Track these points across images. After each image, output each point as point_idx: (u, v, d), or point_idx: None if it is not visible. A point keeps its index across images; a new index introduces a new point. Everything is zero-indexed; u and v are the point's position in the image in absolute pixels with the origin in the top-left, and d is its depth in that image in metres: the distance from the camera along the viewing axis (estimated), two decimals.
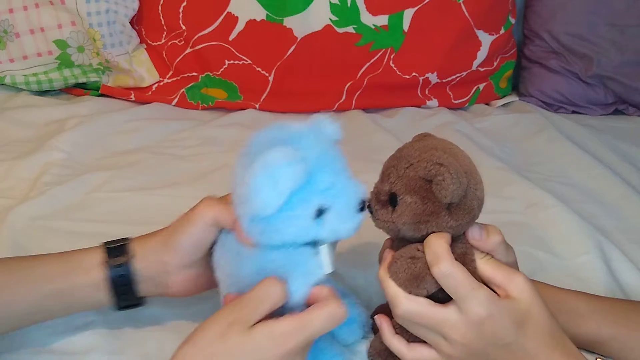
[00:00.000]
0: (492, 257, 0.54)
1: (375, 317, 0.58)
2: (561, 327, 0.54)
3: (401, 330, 0.56)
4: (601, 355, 0.63)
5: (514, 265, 0.57)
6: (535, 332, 0.52)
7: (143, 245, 0.58)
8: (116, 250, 0.58)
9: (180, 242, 0.57)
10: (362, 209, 0.53)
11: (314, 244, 0.53)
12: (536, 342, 0.52)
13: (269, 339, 0.47)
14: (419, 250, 0.53)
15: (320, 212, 0.51)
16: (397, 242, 0.57)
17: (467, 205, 0.52)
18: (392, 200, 0.53)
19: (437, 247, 0.52)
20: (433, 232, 0.53)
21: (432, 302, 0.52)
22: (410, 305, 0.52)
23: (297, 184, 0.48)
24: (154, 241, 0.58)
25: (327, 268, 0.53)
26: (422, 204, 0.52)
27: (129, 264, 0.57)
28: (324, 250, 0.53)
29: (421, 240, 0.53)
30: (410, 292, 0.52)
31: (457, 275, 0.51)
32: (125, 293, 0.58)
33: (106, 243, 0.59)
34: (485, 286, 0.52)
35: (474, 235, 0.54)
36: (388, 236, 0.58)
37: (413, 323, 0.53)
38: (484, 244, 0.54)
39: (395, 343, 0.56)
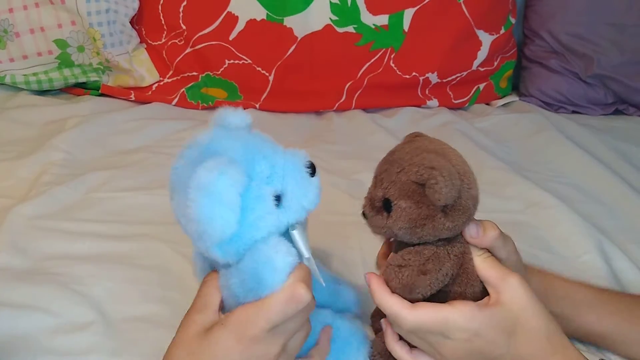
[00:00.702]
0: (490, 254, 0.54)
1: (382, 321, 0.58)
2: (562, 324, 0.53)
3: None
4: (607, 358, 0.62)
5: (512, 255, 0.56)
6: (530, 338, 0.51)
7: None
8: None
9: None
10: (313, 173, 0.50)
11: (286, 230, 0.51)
12: (532, 348, 0.51)
13: (224, 331, 0.47)
14: (404, 258, 0.52)
15: (278, 198, 0.48)
16: (396, 245, 0.56)
17: (462, 205, 0.51)
18: (387, 205, 0.52)
19: (390, 307, 0.52)
20: (428, 235, 0.52)
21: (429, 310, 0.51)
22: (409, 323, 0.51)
23: (242, 187, 0.45)
24: None
25: (305, 252, 0.50)
26: (416, 208, 0.51)
27: None
28: (296, 236, 0.50)
29: (419, 243, 0.53)
30: (411, 295, 0.52)
31: (425, 319, 0.51)
32: None
33: None
34: (458, 304, 0.51)
35: (470, 233, 0.54)
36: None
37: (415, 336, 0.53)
38: (481, 241, 0.54)
39: (398, 350, 0.56)
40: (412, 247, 0.53)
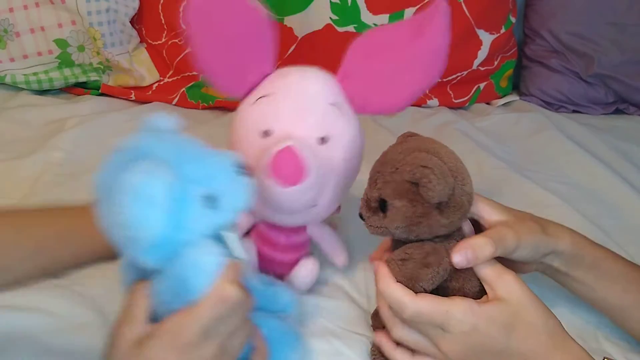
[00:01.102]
0: None
1: (375, 334, 0.59)
2: (582, 291, 0.57)
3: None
4: (609, 356, 0.63)
5: (523, 249, 0.56)
6: (529, 334, 0.52)
7: None
8: None
9: None
10: (243, 172, 0.50)
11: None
12: (532, 345, 0.52)
13: (156, 342, 0.46)
14: (406, 252, 0.53)
15: (210, 199, 0.47)
16: (394, 244, 0.57)
17: (456, 202, 0.53)
18: (382, 205, 0.53)
19: (393, 292, 0.52)
20: (425, 233, 0.53)
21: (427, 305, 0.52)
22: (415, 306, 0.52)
23: (172, 189, 0.44)
24: None
25: (238, 253, 0.50)
26: (411, 206, 0.52)
27: None
28: (228, 237, 0.50)
29: (416, 241, 0.54)
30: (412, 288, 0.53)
31: (426, 308, 0.51)
32: None
33: None
34: (458, 299, 0.52)
35: (459, 263, 0.53)
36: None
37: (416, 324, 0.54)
38: (475, 264, 0.53)
39: (399, 356, 0.56)
40: (412, 243, 0.54)
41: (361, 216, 0.56)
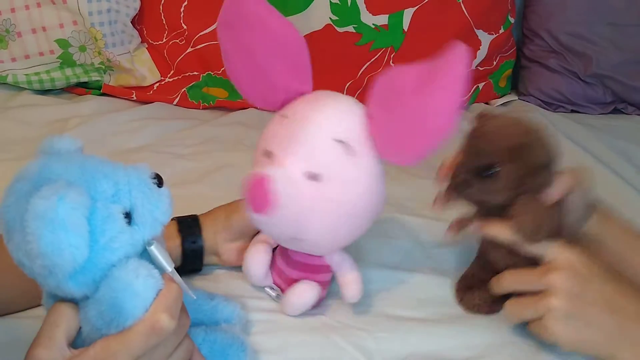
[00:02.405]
0: None
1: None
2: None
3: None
4: None
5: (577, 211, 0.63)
6: (628, 287, 0.58)
7: (208, 221, 0.70)
8: (189, 224, 0.69)
9: (237, 221, 0.68)
10: (160, 184, 0.48)
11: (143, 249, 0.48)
12: (627, 287, 0.58)
13: None
14: (523, 199, 0.59)
15: (128, 215, 0.45)
16: (483, 212, 0.63)
17: (553, 161, 0.60)
18: (488, 171, 0.58)
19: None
20: (526, 194, 0.59)
21: None
22: (509, 278, 0.60)
23: (86, 210, 0.42)
24: (218, 218, 0.70)
25: (167, 266, 0.47)
26: (521, 169, 0.58)
27: (200, 236, 0.69)
28: (154, 251, 0.47)
29: (507, 205, 0.60)
30: (534, 240, 0.59)
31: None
32: (192, 262, 0.69)
33: (177, 217, 0.70)
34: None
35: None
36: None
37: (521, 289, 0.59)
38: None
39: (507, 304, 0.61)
40: (518, 198, 0.59)
41: (460, 189, 0.60)
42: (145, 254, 0.47)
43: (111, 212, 0.44)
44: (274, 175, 0.56)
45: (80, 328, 0.46)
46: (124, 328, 0.44)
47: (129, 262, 0.45)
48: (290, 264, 0.65)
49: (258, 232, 0.69)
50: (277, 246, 0.68)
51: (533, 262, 0.60)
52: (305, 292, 0.64)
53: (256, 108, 1.21)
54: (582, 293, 0.57)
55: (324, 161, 0.57)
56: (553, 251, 0.59)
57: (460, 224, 0.68)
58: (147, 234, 0.47)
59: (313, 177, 0.57)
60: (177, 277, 0.48)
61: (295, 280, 0.65)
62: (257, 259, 0.67)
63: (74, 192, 0.41)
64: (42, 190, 0.41)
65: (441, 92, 0.53)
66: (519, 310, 0.59)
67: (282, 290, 0.67)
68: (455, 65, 0.53)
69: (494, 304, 0.66)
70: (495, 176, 0.58)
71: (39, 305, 0.63)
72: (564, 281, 0.57)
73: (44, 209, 0.40)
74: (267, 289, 0.68)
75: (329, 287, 0.68)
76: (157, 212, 0.47)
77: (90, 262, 0.43)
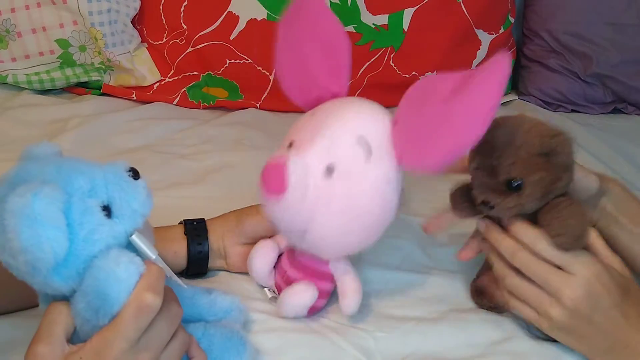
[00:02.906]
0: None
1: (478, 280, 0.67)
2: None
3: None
4: None
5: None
6: (637, 300, 0.57)
7: (217, 224, 0.70)
8: (194, 226, 0.69)
9: (248, 225, 0.68)
10: (136, 177, 0.49)
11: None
12: (636, 309, 0.56)
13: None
14: (563, 201, 0.58)
15: (107, 209, 0.47)
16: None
17: (574, 160, 0.59)
18: (511, 186, 0.56)
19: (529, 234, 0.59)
20: (555, 197, 0.58)
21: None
22: (528, 257, 0.59)
23: (62, 203, 0.43)
24: (228, 221, 0.70)
25: (150, 254, 0.49)
26: (547, 176, 0.56)
27: (206, 240, 0.68)
28: (136, 240, 0.49)
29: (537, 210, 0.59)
30: (578, 245, 0.58)
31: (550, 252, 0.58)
32: (197, 265, 0.69)
33: (184, 220, 0.69)
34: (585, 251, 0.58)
35: None
36: None
37: (530, 275, 0.59)
38: None
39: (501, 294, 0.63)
40: (552, 201, 0.58)
41: (488, 205, 0.58)
42: (130, 246, 0.49)
43: (88, 206, 0.46)
44: (291, 160, 0.56)
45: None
46: (112, 315, 0.45)
47: (110, 251, 0.46)
48: (295, 264, 0.65)
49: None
50: (282, 253, 0.68)
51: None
52: (301, 292, 0.64)
53: (256, 107, 1.22)
54: (589, 315, 0.57)
55: (342, 157, 0.58)
56: (575, 264, 0.57)
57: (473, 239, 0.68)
58: (128, 225, 0.48)
59: (329, 171, 0.58)
60: (161, 263, 0.49)
61: (294, 282, 0.65)
62: (262, 254, 0.67)
63: (48, 188, 0.43)
64: (18, 189, 0.43)
65: (477, 97, 0.53)
66: (521, 292, 0.60)
67: (280, 291, 0.66)
68: (494, 71, 0.53)
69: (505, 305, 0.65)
70: (520, 189, 0.56)
71: (36, 305, 0.63)
72: (575, 302, 0.56)
73: (20, 206, 0.42)
74: (266, 290, 0.68)
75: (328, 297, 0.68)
76: (135, 203, 0.48)
77: (72, 255, 0.44)
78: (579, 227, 0.57)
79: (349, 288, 0.64)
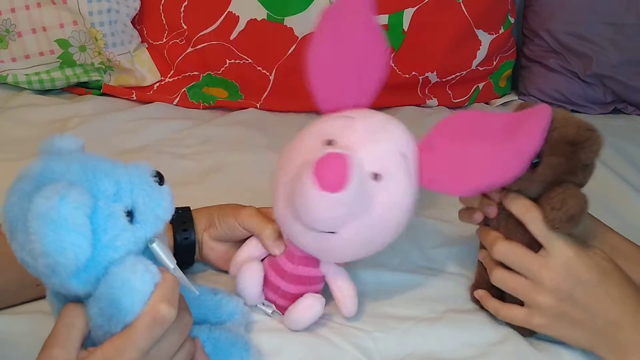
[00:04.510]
0: None
1: (475, 293, 0.67)
2: None
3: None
4: None
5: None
6: (621, 283, 0.58)
7: (200, 215, 0.69)
8: (180, 215, 0.68)
9: (223, 226, 0.68)
10: (161, 182, 0.48)
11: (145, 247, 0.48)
12: (621, 290, 0.57)
13: None
14: (571, 187, 0.59)
15: (130, 214, 0.46)
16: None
17: (594, 164, 0.60)
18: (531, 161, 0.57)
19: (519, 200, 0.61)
20: (558, 187, 0.59)
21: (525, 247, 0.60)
22: (506, 245, 0.61)
23: (88, 208, 0.43)
24: (211, 214, 0.69)
25: (169, 263, 0.48)
26: (565, 164, 0.58)
27: (193, 229, 0.68)
28: (156, 248, 0.48)
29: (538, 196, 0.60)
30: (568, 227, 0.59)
31: (535, 230, 0.60)
32: (185, 254, 0.68)
33: None
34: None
35: None
36: None
37: (510, 265, 0.61)
38: None
39: (492, 303, 0.64)
40: (560, 185, 0.59)
41: None
42: (147, 251, 0.48)
43: (113, 211, 0.45)
44: (353, 156, 0.56)
45: None
46: (124, 324, 0.44)
47: (126, 259, 0.45)
48: (288, 278, 0.64)
49: (244, 240, 0.68)
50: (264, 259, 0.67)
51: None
52: (312, 307, 0.63)
53: (256, 108, 1.22)
54: (571, 294, 0.58)
55: (388, 167, 0.59)
56: (554, 244, 0.59)
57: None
58: (149, 231, 0.47)
59: (377, 177, 0.58)
60: (179, 273, 0.49)
61: (295, 294, 0.64)
62: (253, 279, 0.64)
63: (75, 191, 0.42)
64: (44, 190, 0.42)
65: (524, 144, 0.56)
66: (508, 284, 0.62)
67: (276, 305, 0.66)
68: (540, 120, 0.56)
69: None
70: (535, 166, 0.58)
71: (33, 300, 0.63)
72: (556, 281, 0.58)
73: (46, 209, 0.41)
74: (260, 306, 0.66)
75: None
76: (159, 209, 0.47)
77: (93, 260, 0.43)
78: (576, 208, 0.58)
79: (346, 294, 0.64)
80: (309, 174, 0.54)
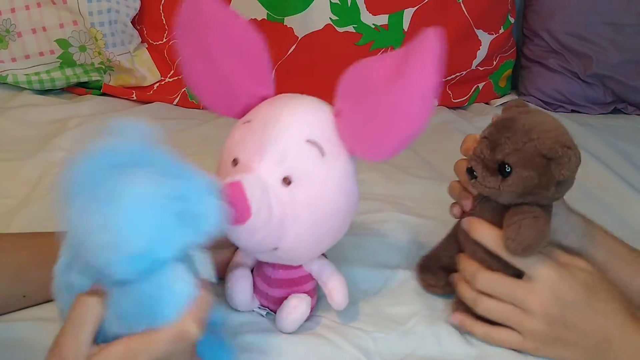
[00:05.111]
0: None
1: (453, 316, 0.64)
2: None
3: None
4: None
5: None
6: (607, 297, 0.57)
7: None
8: None
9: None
10: (219, 196, 0.48)
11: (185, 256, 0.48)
12: (607, 305, 0.57)
13: None
14: (532, 211, 0.57)
15: (186, 218, 0.46)
16: (483, 203, 0.62)
17: (571, 180, 0.58)
18: (502, 169, 0.56)
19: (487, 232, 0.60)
20: (533, 201, 0.57)
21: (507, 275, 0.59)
22: (488, 276, 0.60)
23: (171, 201, 0.43)
24: None
25: (210, 276, 0.49)
26: (537, 178, 0.56)
27: None
28: (200, 259, 0.48)
29: (513, 205, 0.59)
30: (523, 255, 0.57)
31: (516, 262, 0.58)
32: None
33: None
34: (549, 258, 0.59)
35: None
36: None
37: (495, 295, 0.59)
38: None
39: (479, 328, 0.62)
40: (523, 206, 0.58)
41: (472, 174, 0.58)
42: (188, 261, 0.48)
43: (180, 211, 0.45)
44: (247, 180, 0.53)
45: None
46: (150, 326, 0.44)
47: (178, 265, 0.46)
48: (272, 283, 0.63)
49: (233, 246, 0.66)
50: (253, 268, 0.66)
51: (508, 265, 0.60)
52: (297, 308, 0.62)
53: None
54: (561, 317, 0.57)
55: (297, 164, 0.55)
56: (536, 269, 0.58)
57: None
58: (197, 240, 0.47)
59: (287, 180, 0.55)
60: (212, 290, 0.48)
61: (281, 299, 0.63)
62: (241, 287, 0.64)
63: (169, 185, 0.44)
64: (144, 176, 0.43)
65: (416, 76, 0.51)
66: (496, 314, 0.61)
67: (271, 309, 0.65)
68: (428, 48, 0.51)
69: (447, 286, 0.68)
70: (507, 176, 0.57)
71: (31, 305, 0.63)
72: (544, 306, 0.57)
73: (143, 192, 0.42)
74: (256, 310, 0.65)
75: (318, 292, 0.67)
76: (211, 222, 0.47)
77: (146, 253, 0.43)
78: (530, 240, 0.56)
79: (333, 285, 0.63)
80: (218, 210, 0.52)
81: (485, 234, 0.60)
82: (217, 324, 0.59)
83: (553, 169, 0.55)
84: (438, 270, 0.69)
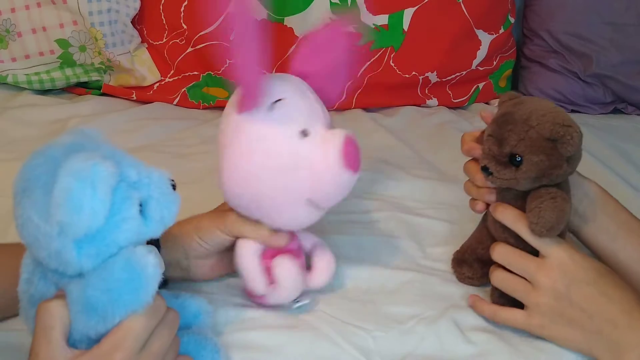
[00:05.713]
0: None
1: (469, 299, 0.68)
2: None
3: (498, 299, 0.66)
4: None
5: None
6: (616, 284, 0.59)
7: (173, 232, 0.63)
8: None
9: (210, 238, 0.64)
10: (174, 187, 0.51)
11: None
12: (616, 290, 0.59)
13: None
14: (549, 192, 0.61)
15: (141, 206, 0.48)
16: (504, 193, 0.65)
17: (579, 153, 0.61)
18: (512, 160, 0.60)
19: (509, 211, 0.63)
20: (551, 181, 0.61)
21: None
22: (504, 248, 0.64)
23: (115, 181, 0.45)
24: (184, 229, 0.65)
25: (161, 266, 0.49)
26: (547, 160, 0.59)
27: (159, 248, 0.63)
28: (158, 251, 0.49)
29: (532, 190, 0.62)
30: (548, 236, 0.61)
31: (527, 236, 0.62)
32: None
33: None
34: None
35: None
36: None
37: (509, 267, 0.63)
38: None
39: (487, 307, 0.66)
40: (541, 190, 0.61)
41: (486, 171, 0.62)
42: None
43: (129, 196, 0.47)
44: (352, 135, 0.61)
45: None
46: (127, 310, 0.45)
47: (142, 247, 0.47)
48: (267, 256, 0.64)
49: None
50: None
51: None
52: (289, 266, 0.63)
53: None
54: (567, 293, 0.59)
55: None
56: (550, 248, 0.61)
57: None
58: (152, 230, 0.49)
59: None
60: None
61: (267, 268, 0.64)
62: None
63: (109, 162, 0.45)
64: (80, 154, 0.45)
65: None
66: (508, 285, 0.64)
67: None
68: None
69: (483, 278, 0.70)
70: (519, 165, 0.60)
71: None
72: (552, 281, 0.60)
73: (80, 167, 0.43)
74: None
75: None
76: (167, 212, 0.50)
77: (99, 234, 0.45)
78: (554, 220, 0.60)
79: (319, 266, 0.67)
80: (340, 161, 0.59)
81: (510, 215, 0.63)
82: (197, 316, 0.60)
83: (560, 148, 0.59)
84: (474, 262, 0.72)
